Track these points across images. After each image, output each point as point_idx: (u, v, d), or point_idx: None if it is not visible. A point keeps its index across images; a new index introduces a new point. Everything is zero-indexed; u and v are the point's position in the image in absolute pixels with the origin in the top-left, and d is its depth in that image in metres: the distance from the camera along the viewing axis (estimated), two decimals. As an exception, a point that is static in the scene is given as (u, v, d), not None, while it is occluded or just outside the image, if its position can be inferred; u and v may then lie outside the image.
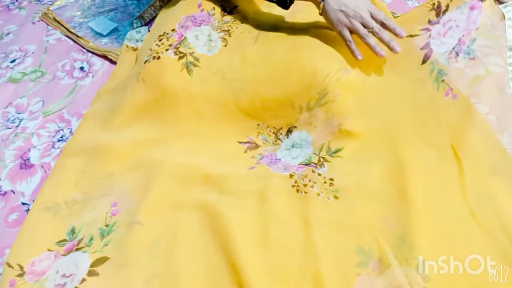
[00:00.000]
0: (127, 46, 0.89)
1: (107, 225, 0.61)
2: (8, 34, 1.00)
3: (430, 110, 0.64)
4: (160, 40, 0.74)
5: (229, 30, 0.77)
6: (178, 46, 0.73)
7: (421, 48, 0.68)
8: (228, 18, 0.80)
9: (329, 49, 0.69)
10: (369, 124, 0.66)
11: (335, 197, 0.60)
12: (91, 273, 0.57)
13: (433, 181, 0.58)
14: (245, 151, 0.70)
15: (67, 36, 0.98)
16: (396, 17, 0.81)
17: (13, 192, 0.71)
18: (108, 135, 0.71)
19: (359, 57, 0.67)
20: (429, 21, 0.69)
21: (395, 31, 0.66)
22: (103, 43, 0.94)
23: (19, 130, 0.80)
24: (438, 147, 0.61)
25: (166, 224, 0.60)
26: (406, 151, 0.61)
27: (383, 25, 0.66)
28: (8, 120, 0.82)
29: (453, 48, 0.66)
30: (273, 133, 0.71)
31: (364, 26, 0.66)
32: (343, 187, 0.60)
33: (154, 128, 0.72)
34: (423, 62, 0.67)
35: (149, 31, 0.89)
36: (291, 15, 0.78)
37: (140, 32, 0.92)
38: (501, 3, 0.65)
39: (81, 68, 0.90)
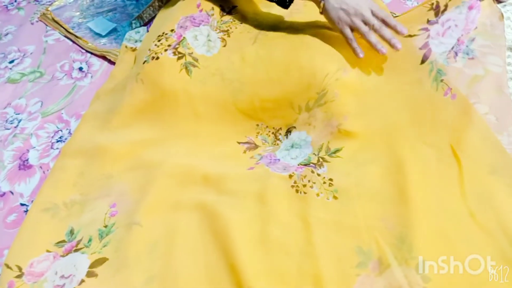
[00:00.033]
0: (126, 47, 0.89)
1: (106, 226, 0.61)
2: (6, 34, 1.00)
3: (429, 110, 0.64)
4: (159, 41, 0.74)
5: (228, 30, 0.77)
6: (177, 46, 0.72)
7: (420, 48, 0.68)
8: (227, 18, 0.79)
9: (328, 49, 0.69)
10: (368, 124, 0.66)
11: (335, 197, 0.59)
12: (90, 274, 0.56)
13: (432, 181, 0.58)
14: (244, 152, 0.70)
15: (66, 36, 0.97)
16: (395, 17, 0.81)
17: (12, 193, 0.71)
18: (107, 136, 0.71)
19: (361, 55, 0.67)
20: (428, 21, 0.69)
21: (396, 28, 0.66)
22: (102, 43, 0.94)
23: (18, 131, 0.80)
24: (437, 147, 0.61)
25: (165, 225, 0.60)
26: (406, 151, 0.61)
27: (384, 22, 0.66)
28: (6, 121, 0.82)
29: (452, 48, 0.66)
30: (272, 133, 0.71)
31: (365, 23, 0.66)
32: (343, 187, 0.60)
33: (153, 128, 0.72)
34: (422, 62, 0.67)
35: (148, 31, 0.89)
36: (290, 15, 0.78)
37: (139, 32, 0.92)
38: (499, 2, 0.65)
39: (80, 69, 0.90)
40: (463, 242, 0.53)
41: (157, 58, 0.71)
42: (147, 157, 0.68)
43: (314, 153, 0.67)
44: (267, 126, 0.72)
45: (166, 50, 0.72)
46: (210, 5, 0.80)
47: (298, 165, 0.65)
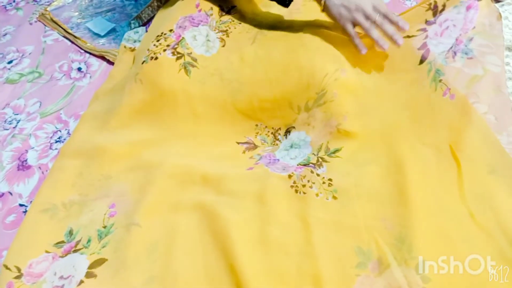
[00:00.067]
0: (124, 47, 0.89)
1: (105, 227, 0.61)
2: (5, 35, 1.00)
3: (428, 110, 0.64)
4: (157, 41, 0.74)
5: (227, 30, 0.77)
6: (176, 46, 0.72)
7: (418, 49, 0.68)
8: (226, 18, 0.79)
9: (327, 49, 0.69)
10: (367, 124, 0.66)
11: (334, 197, 0.59)
12: (89, 275, 0.56)
13: (432, 181, 0.58)
14: (244, 152, 0.70)
15: (64, 36, 0.97)
16: (394, 16, 0.81)
17: (11, 193, 0.71)
18: (105, 136, 0.71)
19: (363, 51, 0.67)
20: (426, 21, 0.69)
21: (398, 24, 0.66)
22: (101, 43, 0.94)
23: (17, 131, 0.79)
24: (437, 147, 0.62)
25: (164, 225, 0.59)
26: (405, 151, 0.61)
27: (386, 18, 0.66)
28: (5, 121, 0.81)
29: (451, 48, 0.66)
30: (272, 133, 0.71)
31: (367, 19, 0.66)
32: (342, 187, 0.60)
33: (152, 129, 0.71)
34: (421, 62, 0.67)
35: (146, 31, 0.89)
36: (289, 15, 0.78)
37: (137, 32, 0.92)
38: (497, 2, 0.65)
39: (79, 69, 0.90)
40: (463, 242, 0.53)
41: (156, 58, 0.71)
42: (146, 157, 0.68)
43: (313, 153, 0.67)
44: (266, 126, 0.72)
45: (165, 50, 0.72)
46: (209, 5, 0.80)
47: (298, 165, 0.65)
